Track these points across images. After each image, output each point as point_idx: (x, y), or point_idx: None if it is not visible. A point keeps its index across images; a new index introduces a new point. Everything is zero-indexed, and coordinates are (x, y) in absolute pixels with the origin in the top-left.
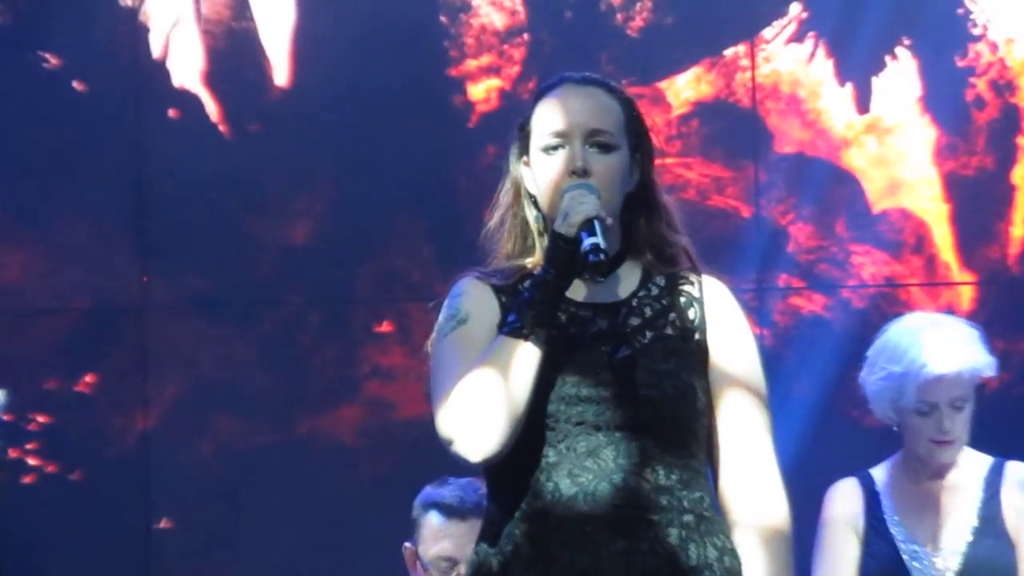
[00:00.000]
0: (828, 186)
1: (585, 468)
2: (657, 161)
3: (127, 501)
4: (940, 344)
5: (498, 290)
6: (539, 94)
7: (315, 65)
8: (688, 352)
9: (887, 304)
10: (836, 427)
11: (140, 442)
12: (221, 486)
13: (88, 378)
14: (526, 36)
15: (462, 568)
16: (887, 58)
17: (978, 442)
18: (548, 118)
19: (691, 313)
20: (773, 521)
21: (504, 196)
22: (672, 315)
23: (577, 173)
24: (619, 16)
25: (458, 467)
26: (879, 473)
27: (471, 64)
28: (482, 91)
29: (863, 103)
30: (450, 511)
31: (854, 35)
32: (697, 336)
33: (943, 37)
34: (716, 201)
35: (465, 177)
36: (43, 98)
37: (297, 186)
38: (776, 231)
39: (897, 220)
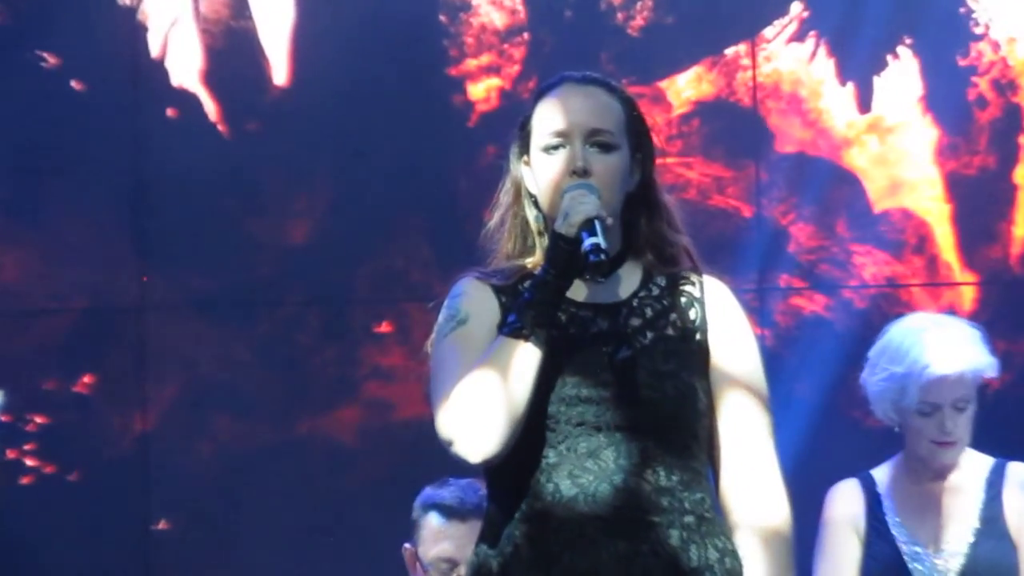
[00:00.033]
0: (829, 186)
1: (586, 469)
2: (658, 161)
3: (126, 502)
4: (942, 345)
5: (498, 290)
6: (539, 93)
7: (314, 64)
8: (689, 353)
9: (888, 304)
10: (837, 428)
11: (139, 443)
12: (220, 487)
13: (86, 378)
14: (526, 35)
15: (462, 569)
16: (888, 57)
17: (979, 443)
18: (548, 118)
19: (692, 313)
20: (774, 522)
21: (504, 196)
22: (673, 315)
23: (577, 173)
24: (619, 15)
25: (458, 468)
26: (880, 474)
27: (471, 63)
28: (482, 90)
29: (864, 102)
30: (450, 512)
31: (855, 34)
32: (698, 337)
33: (945, 36)
34: (717, 201)
35: (465, 177)
36: (41, 97)
37: (296, 186)
38: (777, 231)
39: (898, 220)
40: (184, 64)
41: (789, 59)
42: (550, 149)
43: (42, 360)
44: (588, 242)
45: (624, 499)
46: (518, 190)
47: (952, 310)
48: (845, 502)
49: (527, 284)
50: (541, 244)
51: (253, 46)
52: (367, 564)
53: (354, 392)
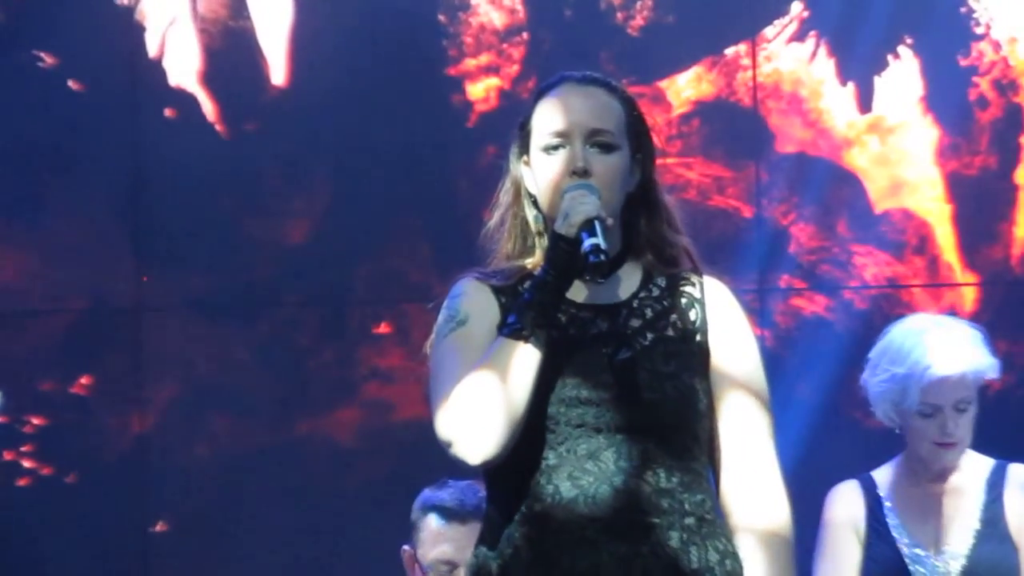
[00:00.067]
0: (830, 186)
1: (586, 471)
2: (658, 161)
3: (123, 503)
4: (944, 346)
5: (498, 291)
6: (539, 93)
7: (313, 64)
8: (689, 354)
9: (889, 305)
10: (838, 429)
11: (136, 444)
12: (218, 488)
13: (84, 379)
14: (525, 35)
15: (461, 571)
16: (889, 57)
17: (980, 444)
18: (548, 118)
19: (692, 314)
20: (774, 524)
21: (504, 196)
22: (673, 316)
23: (578, 173)
24: (619, 15)
25: (457, 469)
26: (881, 476)
27: (470, 63)
28: (481, 90)
29: (865, 102)
30: (449, 514)
31: (856, 34)
32: (698, 337)
33: (946, 36)
34: (717, 201)
35: (464, 177)
36: (39, 97)
37: (295, 186)
38: (777, 231)
39: (899, 220)
40: (182, 64)
41: (789, 59)
42: (550, 149)
43: (39, 361)
44: (588, 243)
45: (624, 501)
46: (518, 190)
47: (953, 311)
48: (845, 504)
49: (527, 285)
50: (541, 244)
51: (251, 46)
52: (366, 565)
53: (353, 393)
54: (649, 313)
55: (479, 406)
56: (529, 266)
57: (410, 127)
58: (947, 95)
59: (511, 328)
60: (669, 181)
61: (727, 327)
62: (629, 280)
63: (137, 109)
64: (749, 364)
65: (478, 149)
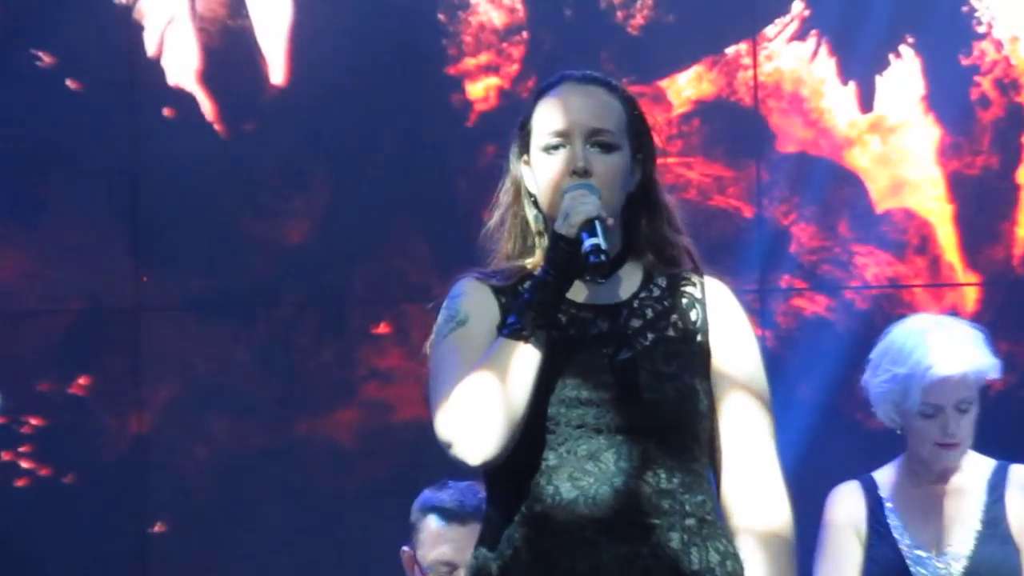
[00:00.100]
0: (831, 186)
1: (586, 471)
2: (658, 160)
3: (121, 504)
4: (945, 346)
5: (498, 291)
6: (539, 93)
7: (312, 63)
8: (690, 354)
9: (890, 305)
10: (839, 429)
11: (135, 445)
12: (217, 489)
13: (82, 380)
14: (525, 34)
15: (461, 572)
16: (890, 56)
17: (982, 445)
18: (549, 117)
19: (693, 314)
20: (775, 526)
21: (504, 195)
22: (674, 316)
23: (578, 173)
24: (619, 14)
25: (457, 470)
26: (882, 476)
27: (470, 62)
28: (481, 90)
29: (866, 102)
30: (449, 515)
31: (857, 33)
32: (699, 338)
33: (947, 35)
34: (718, 201)
35: (464, 176)
36: (37, 97)
37: (294, 186)
38: (778, 231)
39: (901, 220)
40: (181, 63)
41: (790, 58)
42: (550, 149)
43: (37, 361)
44: (588, 243)
45: (624, 502)
46: (518, 190)
47: (955, 311)
48: (846, 504)
49: (527, 285)
50: (541, 244)
51: (250, 45)
52: (365, 567)
53: (352, 393)
54: (650, 313)
55: (479, 407)
56: (529, 266)
57: (409, 127)
58: (949, 94)
59: (511, 328)
60: (669, 181)
61: (728, 327)
62: (630, 280)
63: (136, 108)
64: (750, 364)
65: (478, 149)
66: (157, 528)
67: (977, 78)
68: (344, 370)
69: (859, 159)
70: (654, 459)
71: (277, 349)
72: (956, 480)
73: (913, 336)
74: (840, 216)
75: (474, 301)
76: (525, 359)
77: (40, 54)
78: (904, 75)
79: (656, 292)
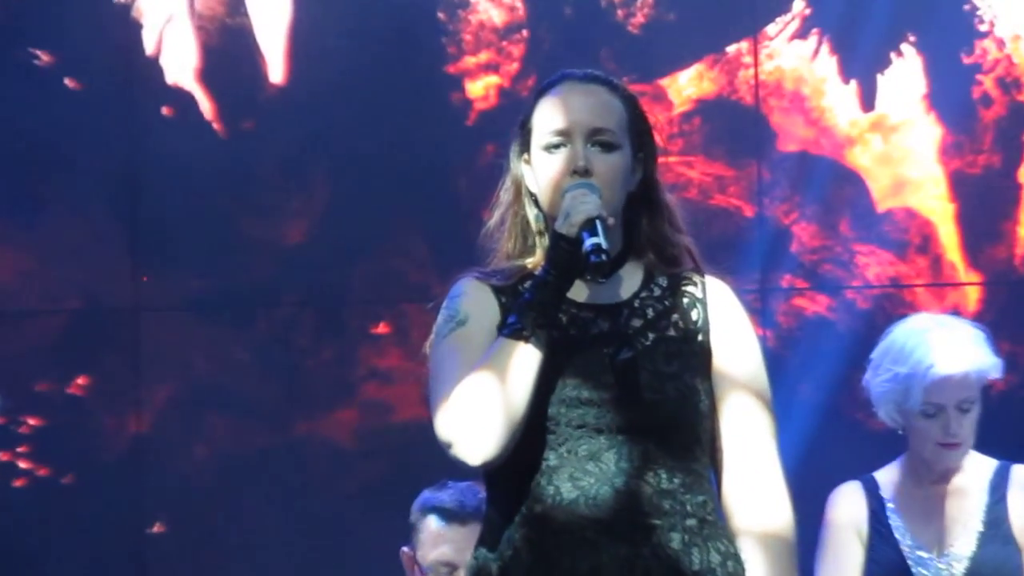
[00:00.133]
0: (832, 185)
1: (586, 472)
2: (659, 160)
3: (120, 505)
4: (947, 345)
5: (498, 291)
6: (540, 91)
7: (311, 62)
8: (691, 354)
9: (892, 305)
10: (840, 430)
11: (133, 445)
12: (215, 490)
13: (80, 380)
14: (525, 32)
15: (461, 573)
16: (892, 55)
17: (984, 445)
18: (549, 116)
19: (694, 314)
20: (777, 526)
21: (504, 194)
22: (675, 316)
23: (579, 172)
24: (620, 12)
25: (457, 470)
26: (883, 477)
27: (469, 61)
28: (481, 88)
29: (868, 101)
30: (449, 515)
31: (858, 31)
32: (700, 338)
33: (949, 33)
34: (718, 200)
35: (463, 176)
36: (35, 95)
37: (293, 185)
38: (779, 231)
39: (902, 219)
40: (179, 62)
41: (791, 57)
42: (551, 148)
43: (36, 361)
44: (589, 242)
45: (625, 502)
46: (518, 189)
47: (956, 311)
48: (847, 505)
49: (527, 285)
50: (541, 244)
51: (249, 43)
52: (365, 567)
53: (352, 394)
54: (650, 313)
55: (479, 407)
56: (529, 265)
57: (409, 125)
58: (950, 93)
59: (511, 328)
60: (670, 180)
61: (729, 327)
62: (630, 280)
63: (134, 107)
64: (751, 364)
65: (478, 148)
66: (156, 528)
67: (979, 77)
68: (343, 370)
69: (860, 158)
70: (655, 459)
71: (276, 349)
72: (958, 480)
73: (914, 335)
74: (841, 215)
75: (474, 301)
76: (525, 359)
77: (38, 53)
78: (906, 74)
79: (657, 292)
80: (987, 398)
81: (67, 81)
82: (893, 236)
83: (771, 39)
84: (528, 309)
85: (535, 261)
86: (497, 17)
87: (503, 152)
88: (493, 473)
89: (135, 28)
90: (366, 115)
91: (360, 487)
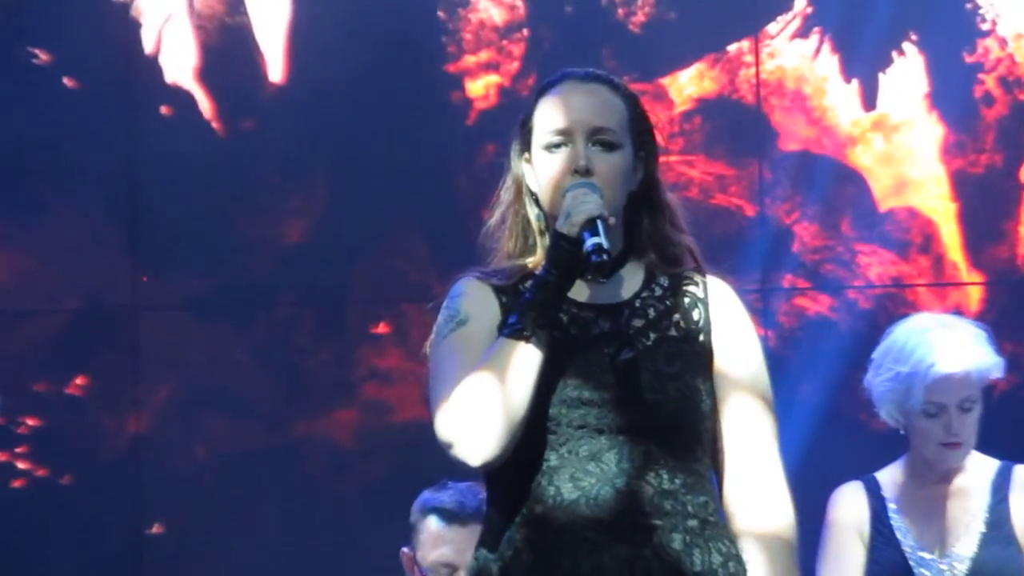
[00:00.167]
0: (834, 184)
1: (587, 472)
2: (660, 159)
3: (119, 505)
4: (948, 344)
5: (498, 290)
6: (541, 90)
7: (310, 61)
8: (692, 354)
9: (894, 305)
10: (841, 430)
11: (132, 445)
12: (214, 490)
13: (79, 380)
14: (526, 31)
15: (461, 574)
16: (894, 54)
17: (985, 446)
18: (550, 115)
19: (695, 314)
20: (778, 528)
21: (505, 193)
22: (676, 316)
23: (580, 172)
24: (620, 11)
25: (457, 471)
26: (885, 477)
27: (469, 60)
28: (481, 88)
29: (869, 100)
30: (450, 516)
31: (860, 30)
32: (701, 338)
33: (951, 32)
34: (719, 200)
35: (464, 175)
36: (33, 94)
37: (292, 184)
38: (781, 230)
39: (904, 219)
40: (178, 61)
41: (793, 55)
42: (552, 147)
43: (34, 361)
44: (590, 242)
45: (626, 502)
46: (519, 188)
47: (958, 310)
48: (849, 505)
49: (528, 284)
50: (542, 243)
51: (248, 42)
52: (364, 568)
53: (351, 394)
54: (651, 313)
55: (480, 407)
56: (530, 265)
57: (409, 125)
58: (952, 92)
59: (512, 328)
60: (671, 179)
61: (730, 327)
62: (631, 279)
63: (133, 106)
64: (753, 365)
65: (478, 147)
66: (155, 529)
67: (981, 75)
68: (343, 370)
69: (862, 157)
70: (656, 460)
71: (276, 349)
72: (959, 481)
73: (915, 335)
74: (843, 215)
75: (475, 301)
76: (526, 359)
77: (37, 52)
78: (907, 73)
79: (658, 291)
80: (989, 398)
81: (66, 80)
82: (895, 236)
83: (772, 38)
84: (529, 309)
85: (536, 260)
86: (497, 16)
87: (503, 151)
88: (493, 473)
89: (134, 27)
90: (366, 114)
91: (360, 487)
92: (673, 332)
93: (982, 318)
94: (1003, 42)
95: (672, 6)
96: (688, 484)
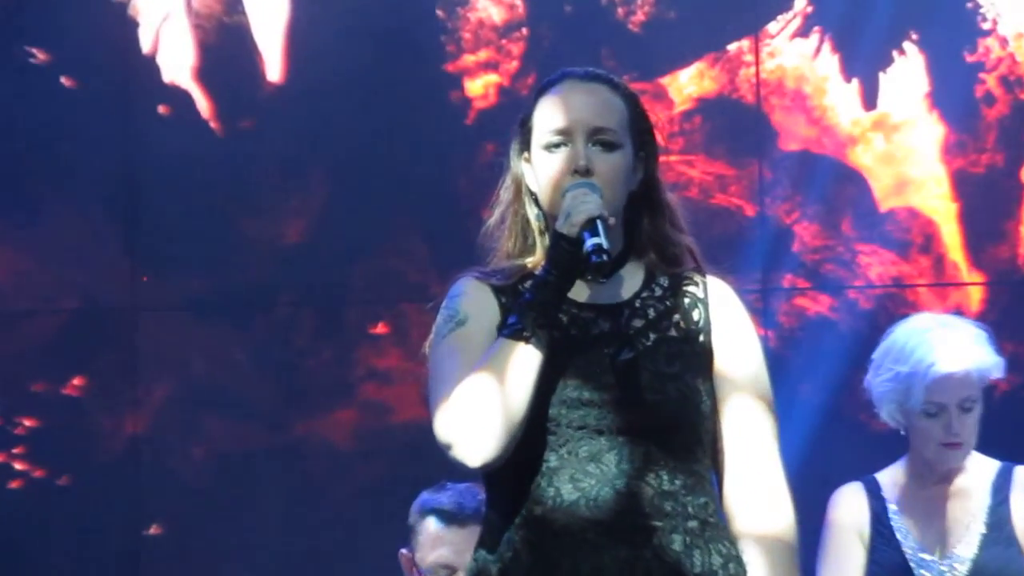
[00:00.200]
0: (834, 184)
1: (587, 473)
2: (660, 159)
3: (117, 506)
4: (948, 343)
5: (498, 290)
6: (541, 90)
7: (309, 60)
8: (692, 354)
9: (894, 305)
10: (842, 430)
11: (130, 446)
12: (213, 491)
13: (77, 380)
14: (525, 30)
15: (460, 575)
16: (894, 53)
17: (987, 446)
18: (550, 115)
19: (695, 314)
20: (778, 529)
21: (505, 192)
22: (676, 316)
23: (579, 172)
24: (620, 10)
25: (456, 472)
26: (885, 478)
27: (468, 59)
28: (480, 87)
29: (870, 99)
30: (449, 517)
31: (861, 29)
32: (702, 338)
33: (952, 32)
34: (719, 200)
35: (463, 175)
36: (31, 93)
37: (291, 184)
38: (781, 230)
39: (905, 219)
40: (176, 60)
41: (793, 55)
42: (551, 147)
43: (32, 361)
44: (590, 242)
45: (626, 503)
46: (518, 187)
47: (959, 311)
48: (849, 506)
49: (528, 285)
50: (542, 243)
51: (246, 42)
52: (363, 569)
53: (350, 394)
54: (651, 313)
55: (479, 408)
56: (530, 265)
57: (408, 124)
58: (953, 92)
59: (512, 329)
60: (671, 179)
61: (731, 327)
62: (631, 280)
63: (130, 106)
64: (753, 365)
65: (477, 147)
66: (153, 530)
67: (982, 75)
68: (342, 370)
69: (862, 157)
70: (656, 460)
71: (274, 349)
72: (960, 482)
73: (915, 335)
74: (843, 215)
75: (474, 301)
76: (526, 360)
77: (34, 51)
78: (908, 72)
79: (658, 292)
80: (989, 399)
81: (63, 80)
82: (895, 236)
83: (772, 37)
84: (528, 309)
85: (535, 260)
86: (496, 15)
87: (503, 151)
88: (493, 474)
89: (132, 26)
90: (364, 114)
91: (359, 488)
92: (673, 332)
93: (983, 318)
94: (1004, 41)
95: (672, 5)
96: (688, 485)
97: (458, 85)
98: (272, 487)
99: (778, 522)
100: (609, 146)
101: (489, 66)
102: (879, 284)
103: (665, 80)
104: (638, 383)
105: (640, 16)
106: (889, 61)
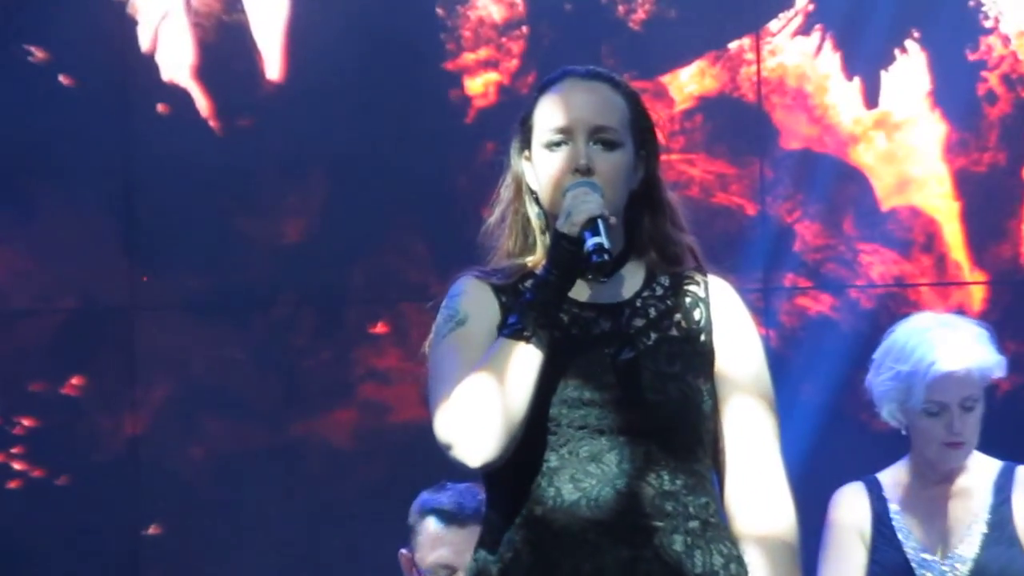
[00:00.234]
0: (835, 183)
1: (588, 473)
2: (660, 157)
3: (115, 506)
4: (949, 342)
5: (498, 290)
6: (541, 88)
7: (308, 59)
8: (694, 354)
9: (896, 304)
10: (843, 430)
11: (129, 446)
12: (212, 491)
13: (75, 380)
14: (525, 29)
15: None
16: (896, 51)
17: (988, 446)
18: (551, 113)
19: (697, 314)
20: (779, 529)
21: (505, 191)
22: (677, 316)
23: (580, 171)
24: (620, 8)
25: (456, 472)
26: (886, 478)
27: (468, 58)
28: (480, 85)
29: (871, 98)
30: (448, 517)
31: (862, 28)
32: (703, 338)
33: (953, 30)
34: (720, 198)
35: (462, 174)
36: (29, 93)
37: (290, 183)
38: (782, 229)
39: (906, 218)
40: (175, 59)
41: (794, 53)
42: (552, 146)
43: (30, 361)
44: (591, 242)
45: (627, 504)
46: (519, 186)
47: (961, 310)
48: (850, 506)
49: (528, 284)
50: (542, 242)
51: (245, 40)
52: (363, 569)
53: (349, 394)
54: (652, 312)
55: (479, 408)
56: (530, 264)
57: (407, 123)
58: (955, 90)
59: (512, 328)
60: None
61: (732, 327)
62: (632, 279)
63: (129, 104)
64: (754, 365)
65: (477, 145)
66: (152, 530)
67: (984, 73)
68: (341, 370)
69: (864, 156)
70: (657, 460)
71: (273, 349)
72: (962, 481)
73: (916, 334)
74: (845, 214)
75: (474, 300)
76: (526, 359)
77: (32, 49)
78: (910, 70)
79: (659, 291)
80: (991, 398)
81: (61, 78)
82: (897, 235)
83: (774, 35)
84: (529, 309)
85: (536, 259)
86: (496, 13)
87: (503, 150)
88: (493, 474)
89: (130, 24)
90: (364, 112)
91: (358, 488)
92: (674, 332)
93: (985, 318)
94: (1006, 40)
95: (672, 3)
96: (689, 485)
97: (458, 84)
98: (271, 487)
99: (779, 522)
100: (610, 145)
101: (489, 64)
102: (881, 283)
103: (666, 78)
104: (639, 383)
105: (641, 14)
106: (891, 59)
